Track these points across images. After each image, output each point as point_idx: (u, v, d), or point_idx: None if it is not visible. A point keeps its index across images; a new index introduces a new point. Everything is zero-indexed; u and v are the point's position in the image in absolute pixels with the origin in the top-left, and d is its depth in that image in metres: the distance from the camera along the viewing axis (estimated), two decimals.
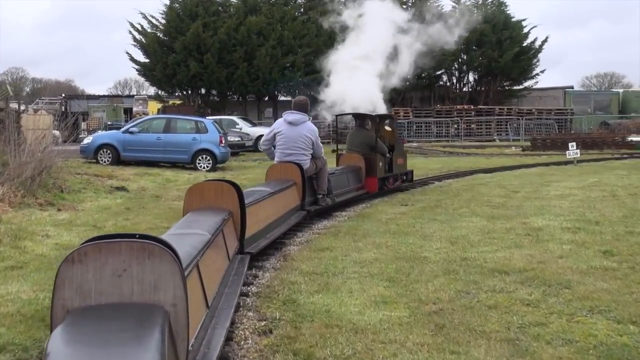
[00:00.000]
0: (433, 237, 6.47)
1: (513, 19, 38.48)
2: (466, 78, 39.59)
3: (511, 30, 37.12)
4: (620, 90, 41.70)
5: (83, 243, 2.45)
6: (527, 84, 39.63)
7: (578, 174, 12.85)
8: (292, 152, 8.02)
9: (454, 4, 38.75)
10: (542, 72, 38.90)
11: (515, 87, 39.88)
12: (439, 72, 38.27)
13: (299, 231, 7.12)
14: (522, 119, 33.48)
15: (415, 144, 27.62)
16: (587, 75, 63.91)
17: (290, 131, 8.09)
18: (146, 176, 13.55)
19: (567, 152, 15.88)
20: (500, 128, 33.48)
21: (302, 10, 36.09)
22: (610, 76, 63.67)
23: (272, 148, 8.37)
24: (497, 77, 37.62)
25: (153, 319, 2.24)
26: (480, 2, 38.66)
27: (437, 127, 33.36)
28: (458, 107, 34.11)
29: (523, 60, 36.96)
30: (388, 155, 10.98)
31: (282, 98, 38.16)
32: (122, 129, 17.93)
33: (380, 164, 10.53)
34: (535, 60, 38.26)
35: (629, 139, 23.38)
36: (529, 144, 24.07)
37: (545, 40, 37.56)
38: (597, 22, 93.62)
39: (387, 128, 11.96)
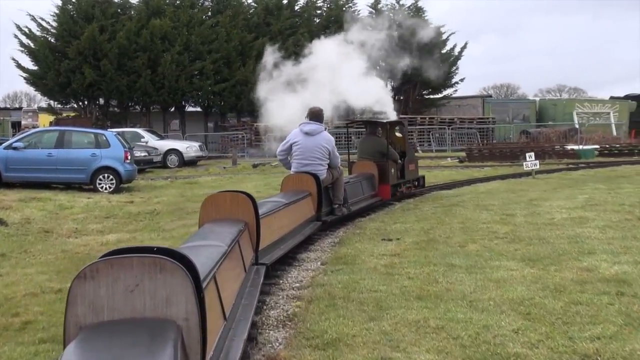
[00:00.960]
0: (483, 302, 4.68)
1: (432, 26, 38.29)
2: (387, 86, 39.13)
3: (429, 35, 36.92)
4: (537, 99, 42.68)
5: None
6: (446, 92, 39.69)
7: (552, 188, 12.10)
8: (309, 163, 8.34)
9: (371, 9, 38.24)
10: (461, 80, 39.18)
11: (435, 96, 39.88)
12: None
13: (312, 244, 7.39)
14: (448, 128, 33.29)
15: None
16: (484, 86, 66.06)
17: (307, 141, 8.40)
18: (33, 202, 11.89)
19: (525, 163, 15.16)
20: (423, 138, 33.17)
21: (209, 14, 34.44)
22: (507, 87, 66.14)
23: (289, 158, 8.71)
24: (416, 85, 37.33)
25: (165, 334, 2.34)
26: (397, 8, 38.33)
27: (359, 138, 32.53)
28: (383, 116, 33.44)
29: (442, 68, 36.81)
30: (400, 161, 11.56)
31: (190, 109, 36.27)
32: (4, 145, 15.77)
33: (393, 170, 11.12)
34: (455, 67, 38.38)
35: (569, 147, 23.36)
36: (464, 154, 23.56)
37: (464, 47, 37.81)
38: (488, 36, 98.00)
39: (398, 134, 12.48)
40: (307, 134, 8.46)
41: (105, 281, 2.50)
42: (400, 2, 39.19)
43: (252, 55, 33.15)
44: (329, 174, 8.52)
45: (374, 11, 39.02)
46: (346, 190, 9.08)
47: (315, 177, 8.04)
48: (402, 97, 39.19)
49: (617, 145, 24.11)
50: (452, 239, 7.19)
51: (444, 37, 38.92)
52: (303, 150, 8.42)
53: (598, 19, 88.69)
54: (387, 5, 39.09)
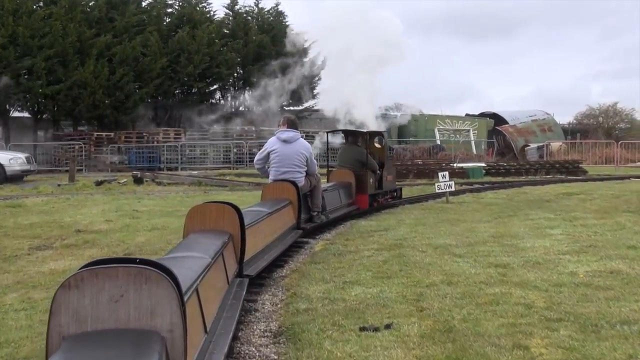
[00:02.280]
0: None
1: (293, 32, 37.58)
2: (243, 96, 37.84)
3: (292, 42, 36.13)
4: (398, 114, 43.33)
5: (80, 268, 2.64)
6: (307, 104, 39.08)
7: (492, 218, 10.60)
8: (287, 170, 8.74)
9: (227, 11, 36.85)
10: (324, 91, 38.58)
11: (296, 108, 39.12)
12: (212, 88, 35.93)
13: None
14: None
15: (195, 172, 24.80)
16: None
17: (285, 149, 8.80)
18: None
19: (437, 184, 14.07)
20: None
21: (41, 3, 31.17)
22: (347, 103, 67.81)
23: (266, 167, 9.04)
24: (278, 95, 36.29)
25: (150, 345, 2.44)
26: (256, 10, 37.25)
27: (214, 151, 30.88)
28: (237, 128, 32.01)
29: (304, 77, 36.12)
30: (378, 172, 12.20)
31: (16, 114, 32.58)
32: None
33: (371, 180, 11.70)
34: (317, 78, 37.83)
35: (455, 165, 23.17)
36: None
37: (326, 56, 37.19)
38: None
39: (377, 145, 12.97)
40: (284, 141, 8.87)
41: (90, 291, 2.57)
42: (260, 5, 38.05)
43: (93, 54, 30.57)
44: (307, 181, 8.96)
45: (230, 13, 37.58)
46: (324, 198, 9.58)
47: (295, 185, 8.46)
48: (260, 108, 38.03)
49: (505, 164, 24.38)
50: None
51: (306, 44, 38.30)
52: (281, 158, 8.83)
53: (427, 41, 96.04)
54: (245, 7, 37.82)
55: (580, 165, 24.49)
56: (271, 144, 9.04)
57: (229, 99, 39.11)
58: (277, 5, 38.62)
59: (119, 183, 20.50)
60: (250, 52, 35.63)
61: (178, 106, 35.77)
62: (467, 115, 48.06)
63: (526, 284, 5.71)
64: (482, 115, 48.72)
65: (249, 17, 38.44)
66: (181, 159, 31.06)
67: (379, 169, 12.27)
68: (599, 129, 49.88)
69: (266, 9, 38.83)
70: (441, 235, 8.76)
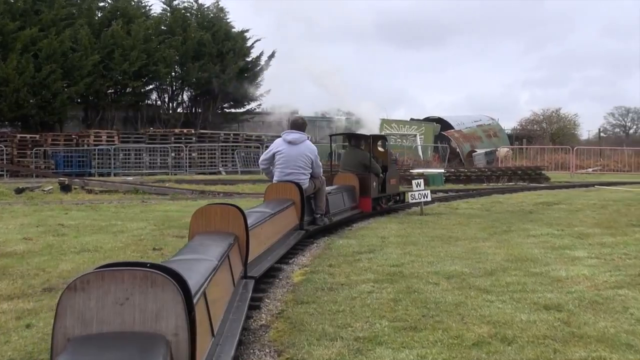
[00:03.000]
0: None
1: (234, 30, 35.81)
2: (181, 97, 35.72)
3: (233, 41, 34.31)
4: (343, 117, 41.93)
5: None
6: (250, 106, 37.26)
7: (487, 234, 9.20)
8: (292, 172, 8.81)
9: (165, 6, 34.71)
10: (267, 92, 36.92)
11: (237, 110, 37.26)
12: (148, 88, 33.70)
13: None
14: (262, 146, 30.73)
15: (131, 178, 22.65)
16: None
17: (290, 150, 8.87)
18: None
19: (411, 194, 12.54)
20: (226, 158, 30.29)
21: None
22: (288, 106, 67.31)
23: (271, 168, 9.10)
24: (217, 96, 34.39)
25: (154, 349, 2.44)
26: (195, 7, 35.23)
27: (150, 155, 28.73)
28: (176, 131, 29.96)
29: (247, 78, 34.37)
30: (381, 175, 12.26)
31: None
32: None
33: (374, 184, 11.71)
34: (260, 79, 36.14)
35: (415, 171, 21.78)
36: None
37: (272, 56, 35.60)
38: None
39: (380, 149, 13.17)
40: (290, 143, 8.91)
41: (96, 293, 2.58)
42: (199, 1, 36.00)
43: (17, 49, 27.95)
44: (311, 183, 9.00)
45: (168, 8, 35.43)
46: (328, 201, 9.63)
47: (299, 186, 8.48)
48: (200, 110, 35.95)
49: (465, 171, 23.15)
50: None
51: (249, 43, 36.49)
52: (286, 159, 8.85)
53: (360, 50, 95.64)
54: (184, 2, 35.71)
55: (542, 172, 23.53)
56: (277, 145, 9.09)
57: (167, 99, 36.82)
58: (217, 1, 36.69)
59: (43, 191, 18.18)
60: (190, 50, 33.53)
61: (111, 107, 33.33)
62: (412, 119, 47.08)
63: (611, 339, 4.14)
64: (428, 119, 47.91)
65: (188, 14, 36.35)
66: (114, 163, 28.72)
67: (382, 172, 12.35)
68: (545, 135, 49.87)
69: (206, 6, 36.85)
70: (443, 258, 7.18)
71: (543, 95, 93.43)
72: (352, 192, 11.33)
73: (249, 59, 36.45)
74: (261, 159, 9.43)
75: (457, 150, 43.12)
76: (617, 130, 67.94)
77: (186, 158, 29.63)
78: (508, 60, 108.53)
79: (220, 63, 34.20)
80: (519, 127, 54.22)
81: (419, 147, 40.20)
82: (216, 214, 5.32)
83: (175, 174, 28.12)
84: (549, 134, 51.42)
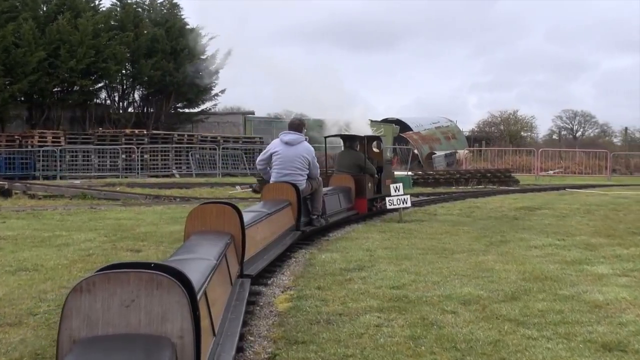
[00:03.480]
0: None
1: (189, 27, 34.41)
2: (132, 96, 34.11)
3: (188, 38, 32.86)
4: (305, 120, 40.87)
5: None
6: (205, 106, 35.87)
7: (484, 246, 8.18)
8: (289, 172, 8.84)
9: (115, 1, 33.12)
10: (222, 92, 35.69)
11: (191, 110, 35.85)
12: (97, 86, 32.02)
13: None
14: (219, 148, 29.49)
15: (78, 182, 21.17)
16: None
17: (287, 151, 8.91)
18: None
19: (389, 199, 11.57)
20: (180, 160, 28.97)
21: None
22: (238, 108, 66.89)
23: (268, 168, 9.15)
24: (170, 95, 32.95)
25: (160, 352, 2.44)
26: (148, 2, 33.70)
27: (99, 157, 27.18)
28: (127, 131, 28.44)
29: (202, 77, 32.95)
30: (376, 176, 12.29)
31: None
32: None
33: (370, 184, 11.75)
34: (215, 77, 34.73)
35: None
36: (255, 181, 19.80)
37: (228, 54, 34.16)
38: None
39: (375, 149, 13.15)
40: (287, 143, 8.96)
41: (102, 295, 2.58)
42: None
43: None
44: (308, 184, 9.01)
45: (118, 3, 33.81)
46: (324, 202, 9.63)
47: (295, 186, 8.53)
48: (152, 110, 34.40)
49: (433, 174, 22.28)
50: None
51: (204, 41, 35.05)
52: (283, 160, 8.91)
53: (312, 52, 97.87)
54: None
55: (511, 175, 22.84)
56: (274, 145, 9.14)
57: (117, 98, 35.11)
58: None
59: None
60: (142, 47, 31.95)
61: (57, 106, 31.48)
62: (370, 120, 46.24)
63: None
64: (386, 121, 47.19)
65: (140, 9, 34.74)
66: (60, 166, 27.00)
67: (377, 173, 12.35)
68: (503, 137, 49.74)
69: (159, 1, 35.25)
70: (447, 277, 6.18)
71: (491, 98, 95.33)
72: (348, 193, 11.32)
73: (203, 57, 34.99)
74: (258, 159, 9.51)
75: (416, 152, 42.46)
76: (564, 132, 68.66)
77: (138, 160, 28.08)
78: (457, 64, 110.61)
79: (174, 61, 32.70)
80: (476, 129, 54.14)
81: None
82: (212, 213, 5.27)
83: (126, 177, 26.56)
84: (507, 135, 51.36)
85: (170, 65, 32.28)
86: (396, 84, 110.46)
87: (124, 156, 28.29)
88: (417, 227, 10.21)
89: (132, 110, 35.05)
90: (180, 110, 36.72)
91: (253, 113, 40.11)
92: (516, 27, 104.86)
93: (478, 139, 49.24)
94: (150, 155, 28.78)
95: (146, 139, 29.06)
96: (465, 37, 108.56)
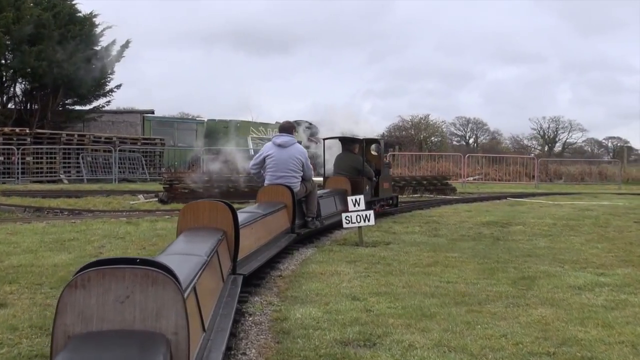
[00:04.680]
0: None
1: (79, 14, 30.82)
2: (13, 89, 30.09)
3: (80, 25, 29.37)
4: (205, 119, 38.12)
5: (86, 268, 2.66)
6: (97, 103, 32.29)
7: (494, 285, 6.13)
8: (283, 175, 8.94)
9: None
10: (118, 87, 32.29)
11: (83, 107, 32.22)
12: None
13: None
14: (115, 150, 26.17)
15: None
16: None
17: (281, 153, 9.03)
18: None
19: (346, 215, 9.07)
20: (70, 164, 25.60)
21: None
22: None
23: (262, 172, 9.25)
24: (59, 90, 29.27)
25: (155, 348, 2.44)
26: None
27: None
28: (7, 130, 24.79)
29: (96, 70, 29.54)
30: (374, 179, 12.42)
31: None
32: None
33: (367, 187, 11.91)
34: (110, 71, 31.36)
35: None
36: (161, 189, 16.85)
37: (126, 46, 30.94)
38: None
39: (373, 152, 13.19)
40: (279, 146, 9.06)
41: (96, 291, 2.58)
42: None
43: None
44: (302, 186, 9.10)
45: None
46: (319, 204, 9.73)
47: (290, 189, 8.62)
48: (37, 106, 30.42)
49: None
50: None
51: (99, 29, 31.48)
52: (276, 163, 8.99)
53: (209, 56, 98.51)
54: None
55: (448, 183, 20.93)
56: (267, 148, 9.22)
57: None
58: None
59: None
60: (25, 32, 27.98)
61: None
62: (277, 123, 43.81)
63: None
64: (296, 123, 44.99)
65: None
66: None
67: (375, 176, 12.41)
68: (415, 142, 48.56)
69: None
70: (518, 355, 3.81)
71: (383, 105, 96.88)
72: (344, 196, 11.06)
73: (97, 48, 31.36)
74: (251, 163, 9.50)
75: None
76: (457, 139, 69.20)
77: (18, 163, 24.25)
78: (351, 71, 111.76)
79: (63, 50, 28.88)
80: (386, 133, 52.74)
81: None
82: (204, 209, 5.28)
83: (3, 183, 22.92)
84: (418, 140, 50.25)
85: (58, 55, 28.44)
86: (292, 89, 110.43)
87: (1, 158, 24.52)
88: (391, 255, 7.92)
89: (13, 107, 30.92)
90: (70, 108, 32.78)
91: (153, 112, 36.77)
92: (407, 36, 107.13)
93: (390, 144, 47.83)
94: (33, 158, 25.19)
95: (29, 139, 25.36)
96: (358, 45, 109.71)
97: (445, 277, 6.43)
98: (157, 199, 16.19)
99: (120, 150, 27.45)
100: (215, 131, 37.01)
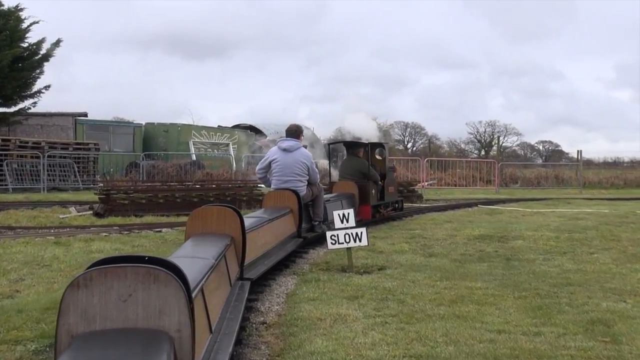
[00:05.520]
0: None
1: (3, 8, 28.32)
2: None
3: (3, 19, 26.90)
4: (143, 122, 35.88)
5: (89, 267, 2.67)
6: (24, 104, 29.75)
7: (559, 336, 4.61)
8: (289, 179, 9.00)
9: None
10: (46, 88, 29.81)
11: (7, 109, 29.61)
12: None
13: None
14: (43, 156, 23.81)
15: None
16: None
17: (286, 158, 9.12)
18: None
19: (331, 235, 7.28)
20: None
21: None
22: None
23: (268, 176, 9.35)
24: None
25: (158, 345, 2.45)
26: None
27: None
28: None
29: (24, 69, 27.12)
30: (380, 183, 12.50)
31: None
32: None
33: (373, 191, 12.01)
34: (39, 70, 28.89)
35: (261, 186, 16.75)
36: (96, 199, 14.77)
37: (57, 44, 28.50)
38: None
39: (378, 156, 13.14)
40: (285, 150, 9.15)
41: (99, 290, 2.58)
42: None
43: None
44: (308, 190, 9.15)
45: None
46: (326, 208, 9.70)
47: (296, 193, 8.65)
48: None
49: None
50: None
51: (25, 25, 28.91)
52: (282, 167, 9.07)
53: (144, 60, 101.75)
54: None
55: (414, 189, 19.45)
56: (272, 153, 9.30)
57: None
58: None
59: None
60: None
61: None
62: (220, 126, 41.78)
63: None
64: (239, 127, 42.99)
65: None
66: None
67: (380, 180, 12.48)
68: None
69: None
70: None
71: (321, 110, 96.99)
72: (351, 200, 11.38)
73: (24, 45, 28.75)
74: (257, 168, 9.62)
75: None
76: (395, 144, 68.72)
77: None
78: (288, 76, 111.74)
79: None
80: (332, 137, 51.26)
81: (232, 158, 34.97)
82: (212, 215, 5.33)
83: None
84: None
85: None
86: (230, 93, 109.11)
87: None
88: (397, 286, 6.34)
89: None
90: None
91: (86, 115, 34.24)
92: (344, 41, 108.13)
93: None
94: None
95: None
96: (296, 49, 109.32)
97: (489, 323, 4.85)
98: (91, 212, 14.08)
99: (49, 156, 25.01)
100: (154, 135, 34.87)
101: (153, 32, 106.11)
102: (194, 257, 3.95)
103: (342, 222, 7.37)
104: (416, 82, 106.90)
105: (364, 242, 7.37)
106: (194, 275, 3.22)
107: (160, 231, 11.21)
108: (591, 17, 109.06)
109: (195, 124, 40.35)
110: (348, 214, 7.40)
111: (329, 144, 13.39)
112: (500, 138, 65.19)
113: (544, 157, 65.71)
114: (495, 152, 63.00)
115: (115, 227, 11.55)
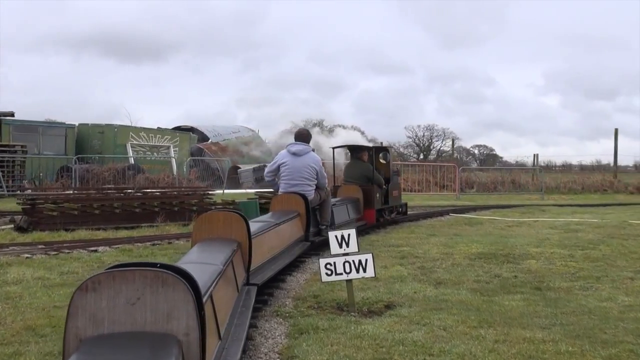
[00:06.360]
0: None
1: None
2: None
3: None
4: (77, 123, 33.38)
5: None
6: None
7: None
8: (297, 183, 9.00)
9: None
10: None
11: None
12: None
13: None
14: None
15: None
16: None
17: (295, 162, 9.09)
18: None
19: (326, 263, 5.50)
20: None
21: None
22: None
23: (276, 179, 9.36)
24: None
25: (166, 349, 2.42)
26: None
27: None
28: None
29: None
30: (384, 187, 12.66)
31: None
32: None
33: (378, 195, 12.10)
34: None
35: (214, 193, 15.05)
36: (19, 209, 12.65)
37: None
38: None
39: (382, 161, 13.32)
40: (294, 154, 9.13)
41: (107, 293, 2.57)
42: None
43: None
44: (316, 194, 9.14)
45: None
46: (333, 212, 9.81)
47: (304, 197, 8.63)
48: None
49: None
50: None
51: None
52: (291, 171, 9.06)
53: (77, 61, 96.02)
54: None
55: None
56: (281, 156, 9.27)
57: None
58: None
59: None
60: None
61: None
62: (159, 128, 39.53)
63: None
64: (180, 129, 40.81)
65: None
66: None
67: (384, 184, 12.62)
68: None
69: None
70: None
71: (258, 114, 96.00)
72: (356, 204, 11.46)
73: None
74: (266, 171, 9.67)
75: (216, 165, 36.56)
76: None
77: None
78: (225, 79, 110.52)
79: None
80: (278, 140, 49.54)
81: (174, 161, 32.85)
82: (219, 220, 5.31)
83: None
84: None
85: None
86: (166, 96, 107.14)
87: None
88: (429, 340, 4.68)
89: None
90: None
91: (12, 115, 31.58)
92: (281, 45, 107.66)
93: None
94: None
95: None
96: (233, 53, 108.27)
97: None
98: (12, 226, 11.84)
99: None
100: (88, 137, 32.47)
101: (86, 33, 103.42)
102: (202, 263, 3.93)
103: (340, 246, 5.70)
104: (353, 87, 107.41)
105: (370, 272, 5.67)
106: (203, 281, 3.19)
107: (96, 250, 9.20)
108: (521, 24, 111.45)
109: (133, 125, 38.03)
110: (349, 235, 5.74)
111: (333, 148, 13.17)
112: (438, 143, 65.11)
113: (478, 161, 65.70)
114: (434, 156, 62.66)
115: (40, 246, 9.52)
